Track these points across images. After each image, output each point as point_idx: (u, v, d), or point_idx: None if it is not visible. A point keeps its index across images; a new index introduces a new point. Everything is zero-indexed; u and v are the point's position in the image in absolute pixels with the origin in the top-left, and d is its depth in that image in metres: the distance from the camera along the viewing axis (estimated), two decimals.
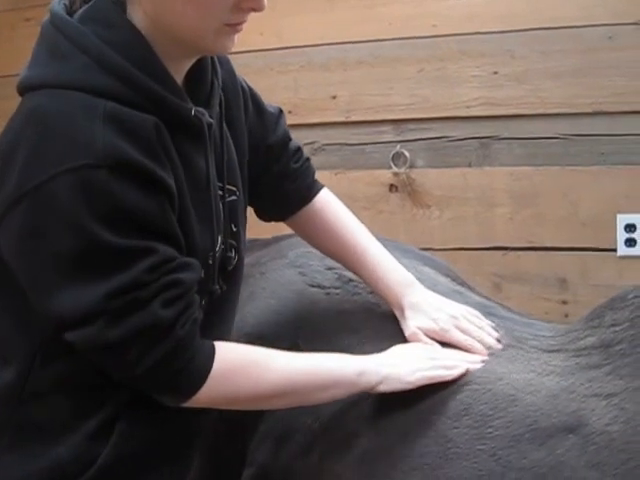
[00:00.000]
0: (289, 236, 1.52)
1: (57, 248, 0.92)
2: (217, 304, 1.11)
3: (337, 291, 1.35)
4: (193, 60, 1.06)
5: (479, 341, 1.18)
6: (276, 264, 1.45)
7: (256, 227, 1.35)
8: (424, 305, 1.23)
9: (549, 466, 0.97)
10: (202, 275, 1.04)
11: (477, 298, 1.37)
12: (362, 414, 1.14)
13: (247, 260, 1.26)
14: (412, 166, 2.30)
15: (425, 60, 2.26)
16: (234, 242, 1.14)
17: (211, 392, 1.02)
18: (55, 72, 0.96)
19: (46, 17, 1.01)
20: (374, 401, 1.14)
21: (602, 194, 2.12)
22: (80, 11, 1.00)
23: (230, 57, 1.20)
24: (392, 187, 2.33)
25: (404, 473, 1.05)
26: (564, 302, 2.18)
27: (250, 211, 1.27)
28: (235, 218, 1.15)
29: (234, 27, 0.99)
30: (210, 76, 1.11)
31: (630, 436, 0.96)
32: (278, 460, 1.22)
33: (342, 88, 2.35)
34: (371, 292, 1.33)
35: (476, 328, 1.21)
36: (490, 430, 1.03)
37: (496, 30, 2.18)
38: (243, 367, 1.06)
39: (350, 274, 1.35)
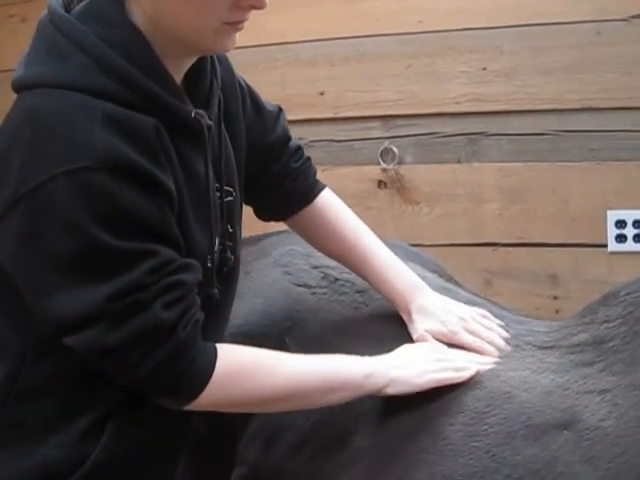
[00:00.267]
0: (272, 234, 1.51)
1: (56, 250, 0.91)
2: (214, 306, 1.09)
3: (323, 290, 1.34)
4: (193, 59, 1.05)
5: (489, 342, 1.17)
6: (261, 263, 1.44)
7: (250, 226, 1.33)
8: (433, 308, 1.22)
9: (543, 462, 0.98)
10: (200, 278, 1.03)
11: (465, 294, 1.36)
12: (355, 412, 1.14)
13: None
14: (401, 162, 2.29)
15: (413, 56, 2.25)
16: (230, 243, 1.13)
17: (214, 395, 1.01)
18: (53, 71, 0.94)
19: (44, 14, 0.99)
20: (368, 399, 1.13)
21: (592, 190, 2.12)
22: (78, 8, 0.99)
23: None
24: (381, 183, 2.33)
25: (400, 470, 1.05)
26: (555, 298, 2.18)
27: (245, 211, 1.25)
28: (232, 219, 1.14)
29: (234, 26, 0.98)
30: (209, 76, 1.09)
31: (623, 430, 0.97)
32: (269, 459, 1.21)
33: (329, 84, 2.34)
34: (358, 291, 1.32)
35: (485, 329, 1.20)
36: (485, 427, 1.03)
37: (485, 26, 2.18)
38: (249, 370, 1.05)
39: (336, 273, 1.35)
